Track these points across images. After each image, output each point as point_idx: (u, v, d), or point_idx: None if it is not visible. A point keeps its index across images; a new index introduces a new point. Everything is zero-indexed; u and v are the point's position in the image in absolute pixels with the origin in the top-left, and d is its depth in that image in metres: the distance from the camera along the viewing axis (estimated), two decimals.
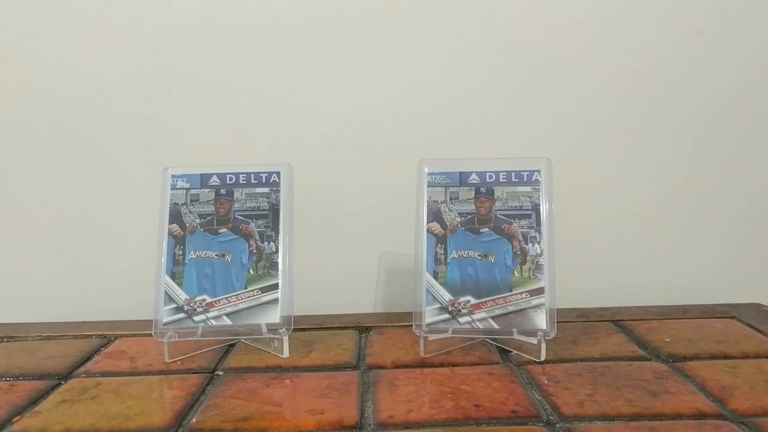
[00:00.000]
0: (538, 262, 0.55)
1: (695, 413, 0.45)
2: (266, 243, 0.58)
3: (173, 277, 0.57)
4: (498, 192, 0.57)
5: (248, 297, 0.57)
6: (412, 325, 0.56)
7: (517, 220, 0.56)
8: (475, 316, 0.55)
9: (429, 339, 0.56)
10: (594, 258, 0.75)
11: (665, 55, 0.73)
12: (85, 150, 0.72)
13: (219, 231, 0.58)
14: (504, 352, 0.57)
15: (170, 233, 0.58)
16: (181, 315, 0.56)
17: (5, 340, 0.64)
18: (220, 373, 0.54)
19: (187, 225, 0.58)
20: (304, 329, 0.64)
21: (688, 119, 0.74)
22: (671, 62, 0.73)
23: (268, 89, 0.72)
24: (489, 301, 0.55)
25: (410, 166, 0.59)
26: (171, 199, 0.58)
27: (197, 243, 0.58)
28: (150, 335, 0.58)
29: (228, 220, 0.58)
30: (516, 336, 0.54)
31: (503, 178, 0.57)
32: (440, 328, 0.55)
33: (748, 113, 0.74)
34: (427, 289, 0.56)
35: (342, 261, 0.75)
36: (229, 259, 0.57)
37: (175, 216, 0.58)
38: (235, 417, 0.46)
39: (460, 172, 0.57)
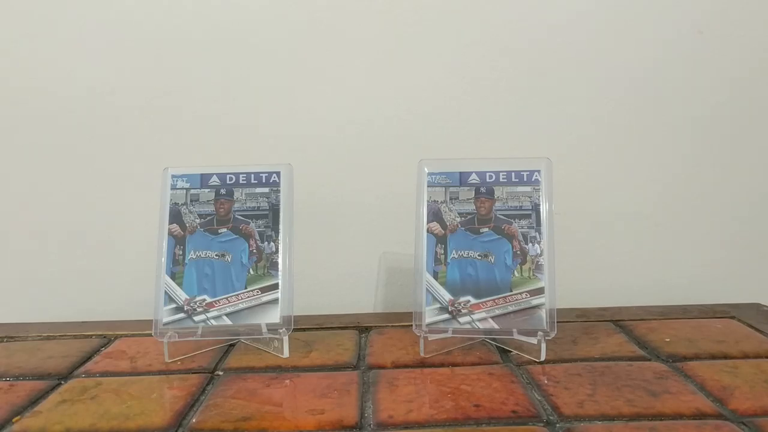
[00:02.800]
0: (538, 262, 0.55)
1: (695, 413, 0.45)
2: (266, 243, 0.58)
3: (173, 277, 0.57)
4: (498, 192, 0.57)
5: (248, 297, 0.57)
6: (412, 325, 0.56)
7: (517, 220, 0.56)
8: (475, 316, 0.55)
9: (429, 339, 0.56)
10: (594, 258, 0.75)
11: (665, 55, 0.73)
12: (85, 150, 0.72)
13: (219, 231, 0.58)
14: (504, 352, 0.57)
15: (170, 233, 0.58)
16: (181, 315, 0.56)
17: (5, 340, 0.64)
18: (220, 373, 0.54)
19: (187, 225, 0.58)
20: (304, 329, 0.63)
21: (688, 119, 0.74)
22: (671, 62, 0.73)
23: (268, 89, 0.72)
24: (489, 301, 0.55)
25: (410, 166, 0.59)
26: (171, 199, 0.58)
27: (197, 243, 0.58)
28: (150, 335, 0.58)
29: (228, 220, 0.58)
30: (516, 336, 0.54)
31: (503, 178, 0.57)
32: (440, 328, 0.55)
33: (748, 113, 0.74)
34: (427, 289, 0.56)
35: (342, 261, 0.75)
36: (229, 259, 0.57)
37: (175, 216, 0.58)
38: (235, 417, 0.46)
39: (460, 172, 0.57)
